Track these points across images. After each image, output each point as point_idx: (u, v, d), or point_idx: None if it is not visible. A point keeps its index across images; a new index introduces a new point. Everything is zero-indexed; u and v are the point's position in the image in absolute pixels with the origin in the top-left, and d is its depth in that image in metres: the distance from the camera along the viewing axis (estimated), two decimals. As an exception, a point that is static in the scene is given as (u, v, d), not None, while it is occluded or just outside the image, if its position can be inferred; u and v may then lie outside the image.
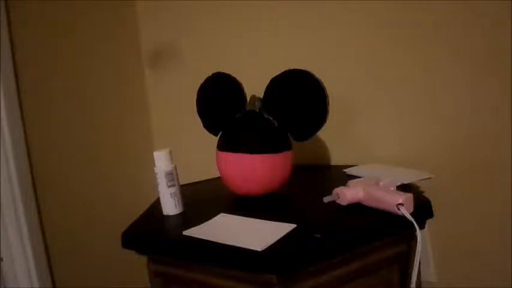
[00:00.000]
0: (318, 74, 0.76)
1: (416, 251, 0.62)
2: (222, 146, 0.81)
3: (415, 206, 0.64)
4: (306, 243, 0.58)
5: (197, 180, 1.03)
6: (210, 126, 0.88)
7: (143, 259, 0.72)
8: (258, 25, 1.17)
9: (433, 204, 0.70)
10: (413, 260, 0.63)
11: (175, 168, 0.76)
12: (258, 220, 0.67)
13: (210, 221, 0.69)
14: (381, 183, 0.69)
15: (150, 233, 0.70)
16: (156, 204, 0.80)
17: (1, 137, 0.98)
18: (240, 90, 0.82)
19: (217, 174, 0.86)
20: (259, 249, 0.56)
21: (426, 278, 0.95)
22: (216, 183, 0.96)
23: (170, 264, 0.68)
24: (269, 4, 1.13)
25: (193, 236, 0.63)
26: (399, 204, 0.63)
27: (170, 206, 0.76)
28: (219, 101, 0.85)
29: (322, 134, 1.10)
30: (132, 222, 0.76)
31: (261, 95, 0.81)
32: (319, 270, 0.59)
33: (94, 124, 1.24)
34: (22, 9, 1.04)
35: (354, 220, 0.65)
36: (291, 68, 0.77)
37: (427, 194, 0.75)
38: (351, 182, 0.71)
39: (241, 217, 0.70)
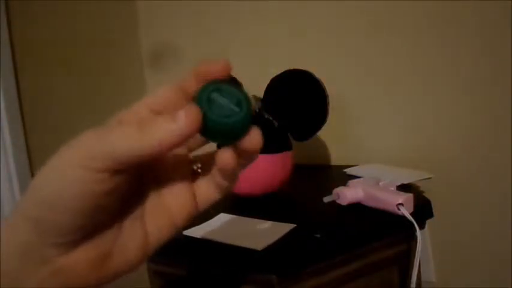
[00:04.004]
0: (318, 74, 0.76)
1: (416, 251, 0.62)
2: (222, 146, 0.81)
3: (415, 206, 0.64)
4: (306, 243, 0.58)
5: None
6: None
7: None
8: (258, 25, 1.17)
9: (433, 204, 0.70)
10: (413, 260, 0.63)
11: (175, 168, 0.76)
12: (258, 220, 0.67)
13: (210, 221, 0.69)
14: (380, 183, 0.69)
15: (150, 233, 0.70)
16: (156, 204, 0.79)
17: (1, 137, 0.98)
18: (240, 90, 0.82)
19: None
20: (259, 248, 0.56)
21: (426, 278, 0.95)
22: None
23: (170, 264, 0.68)
24: (270, 4, 1.13)
25: (193, 236, 0.63)
26: (399, 204, 0.63)
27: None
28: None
29: (322, 134, 1.10)
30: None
31: (261, 95, 0.81)
32: (319, 270, 0.59)
33: (94, 124, 1.23)
34: (22, 9, 1.04)
35: (354, 220, 0.65)
36: (291, 68, 0.77)
37: (427, 194, 0.75)
38: (351, 182, 0.71)
39: (241, 217, 0.70)
